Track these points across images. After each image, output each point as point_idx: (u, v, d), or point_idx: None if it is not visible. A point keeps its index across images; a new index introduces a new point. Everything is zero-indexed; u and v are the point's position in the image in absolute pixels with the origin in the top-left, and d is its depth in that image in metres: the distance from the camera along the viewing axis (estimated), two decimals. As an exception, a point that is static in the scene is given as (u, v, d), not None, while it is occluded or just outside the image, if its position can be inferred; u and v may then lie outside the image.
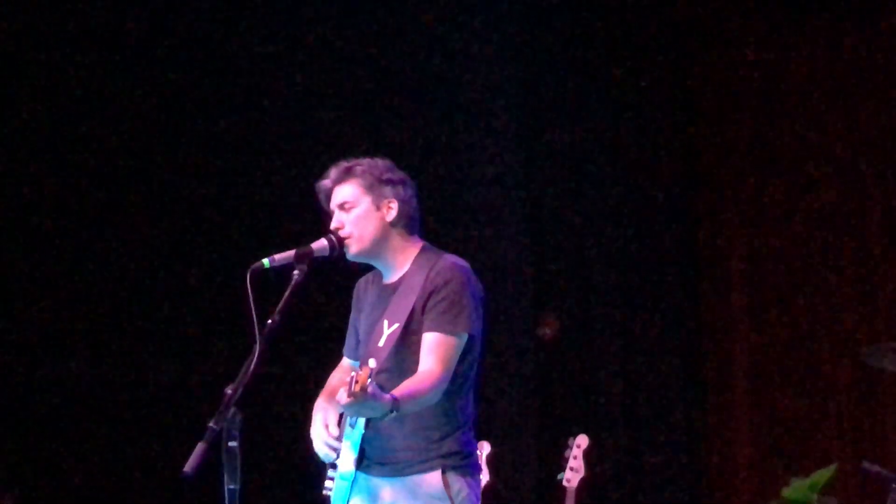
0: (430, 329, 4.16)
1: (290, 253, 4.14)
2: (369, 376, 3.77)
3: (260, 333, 3.93)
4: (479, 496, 4.32)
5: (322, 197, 4.33)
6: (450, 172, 7.29)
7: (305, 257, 4.13)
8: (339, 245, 4.23)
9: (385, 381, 4.07)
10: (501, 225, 7.25)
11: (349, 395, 3.81)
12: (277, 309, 3.99)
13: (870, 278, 7.23)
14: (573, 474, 5.82)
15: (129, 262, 7.45)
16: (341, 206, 4.27)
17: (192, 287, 7.42)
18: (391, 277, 4.34)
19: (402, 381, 4.09)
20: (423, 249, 4.34)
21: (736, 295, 7.55)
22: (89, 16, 7.19)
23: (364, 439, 4.24)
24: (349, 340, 4.43)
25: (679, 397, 7.49)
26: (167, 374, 7.30)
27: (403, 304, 4.26)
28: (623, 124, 7.53)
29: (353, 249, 4.27)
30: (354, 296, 4.47)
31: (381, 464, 4.25)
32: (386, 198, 4.27)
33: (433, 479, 4.20)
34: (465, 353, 4.21)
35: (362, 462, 4.26)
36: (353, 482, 4.29)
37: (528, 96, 7.51)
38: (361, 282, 4.44)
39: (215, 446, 3.83)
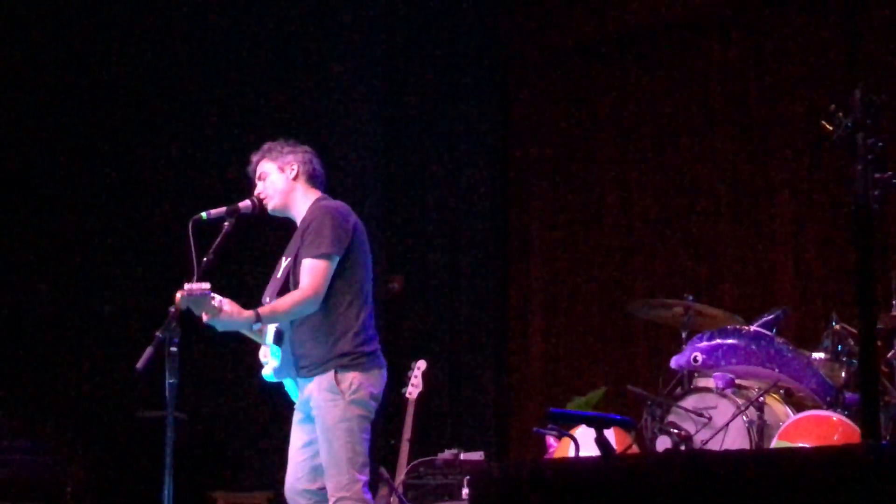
0: (303, 256, 4.75)
1: (223, 209, 4.85)
2: (180, 298, 4.46)
3: (198, 267, 4.61)
4: (379, 387, 4.74)
5: (251, 174, 5.07)
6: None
7: (234, 212, 4.86)
8: (259, 205, 4.96)
9: None
10: (362, 199, 7.74)
11: (204, 314, 4.50)
12: (211, 250, 4.69)
13: (632, 248, 8.24)
14: (414, 389, 6.37)
15: (99, 213, 8.09)
16: (260, 178, 5.02)
17: (149, 233, 8.07)
18: (298, 225, 4.96)
19: None
20: (317, 199, 4.90)
21: (535, 262, 8.43)
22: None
23: (292, 350, 4.77)
24: None
25: (489, 342, 8.31)
26: (128, 298, 7.93)
27: (294, 243, 4.86)
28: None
29: (269, 205, 4.97)
30: None
31: (302, 367, 4.82)
32: (287, 162, 4.94)
33: (327, 378, 4.72)
34: (342, 271, 4.72)
35: (299, 368, 4.79)
36: (296, 385, 4.85)
37: (389, 84, 8.36)
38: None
39: (160, 350, 4.43)
